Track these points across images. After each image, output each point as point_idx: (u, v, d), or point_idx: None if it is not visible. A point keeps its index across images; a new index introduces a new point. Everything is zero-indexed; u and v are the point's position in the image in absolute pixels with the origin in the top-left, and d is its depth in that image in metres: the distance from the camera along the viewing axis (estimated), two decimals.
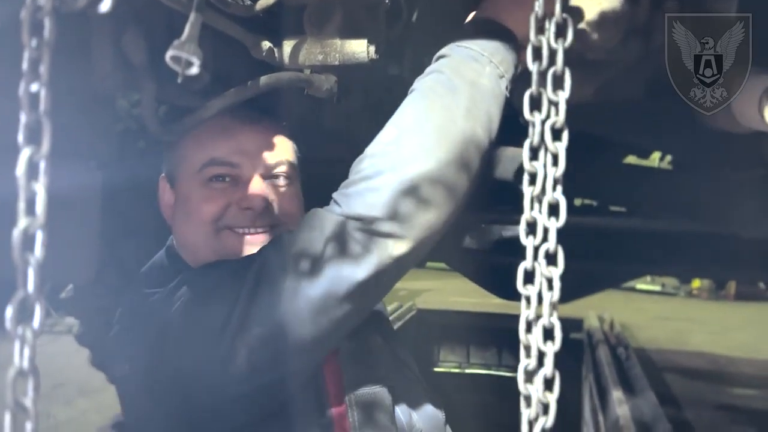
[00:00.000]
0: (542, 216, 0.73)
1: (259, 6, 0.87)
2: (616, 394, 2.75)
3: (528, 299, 0.70)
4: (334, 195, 0.88)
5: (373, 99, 1.29)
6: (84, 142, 1.09)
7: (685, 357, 4.86)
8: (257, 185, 0.97)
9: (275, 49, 0.98)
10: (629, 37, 1.13)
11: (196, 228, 0.97)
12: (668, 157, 2.34)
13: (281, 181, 1.00)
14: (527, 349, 0.68)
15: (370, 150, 0.88)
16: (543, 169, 0.73)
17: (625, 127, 1.39)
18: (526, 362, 0.67)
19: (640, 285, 8.26)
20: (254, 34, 0.95)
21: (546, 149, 0.73)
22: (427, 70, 0.94)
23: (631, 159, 2.36)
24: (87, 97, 1.03)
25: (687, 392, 3.86)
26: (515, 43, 0.93)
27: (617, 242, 2.25)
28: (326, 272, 0.82)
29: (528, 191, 0.72)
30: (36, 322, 0.53)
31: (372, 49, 0.96)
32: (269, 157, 0.99)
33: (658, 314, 6.48)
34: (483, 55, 0.90)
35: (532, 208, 0.73)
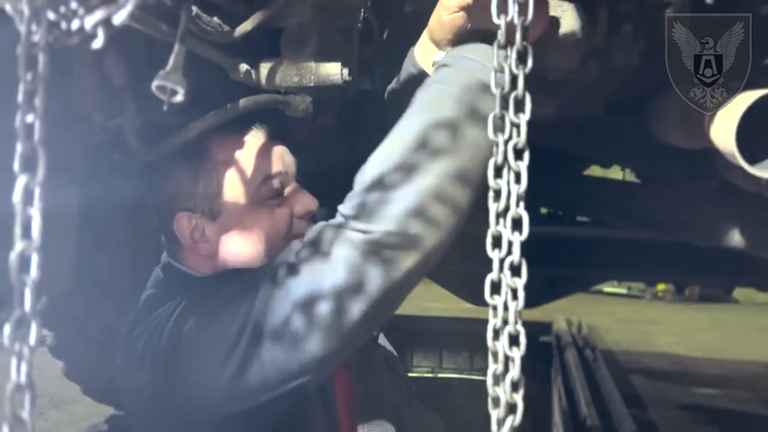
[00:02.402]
0: (507, 230, 0.78)
1: (237, 32, 0.91)
2: (584, 396, 2.82)
3: (495, 308, 0.76)
4: (341, 208, 0.88)
5: (347, 114, 1.34)
6: (59, 155, 1.11)
7: (651, 358, 4.98)
8: (304, 192, 1.03)
9: (252, 71, 1.02)
10: (588, 59, 1.20)
11: (268, 247, 0.99)
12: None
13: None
14: (495, 354, 0.73)
15: (374, 159, 0.88)
16: (507, 186, 0.79)
17: (585, 141, 1.45)
18: (494, 367, 0.72)
19: (607, 288, 8.41)
20: (232, 57, 0.99)
21: (509, 168, 0.79)
22: (430, 80, 0.93)
23: (596, 170, 2.44)
24: (64, 113, 1.05)
25: (652, 393, 3.96)
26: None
27: (584, 249, 2.33)
28: (335, 283, 0.83)
29: (493, 207, 0.78)
30: (32, 339, 0.56)
31: (345, 71, 1.00)
32: (293, 165, 1.06)
33: (625, 317, 6.62)
34: (486, 65, 0.90)
35: (497, 223, 0.78)
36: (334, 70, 1.00)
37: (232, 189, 1.00)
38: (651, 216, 1.53)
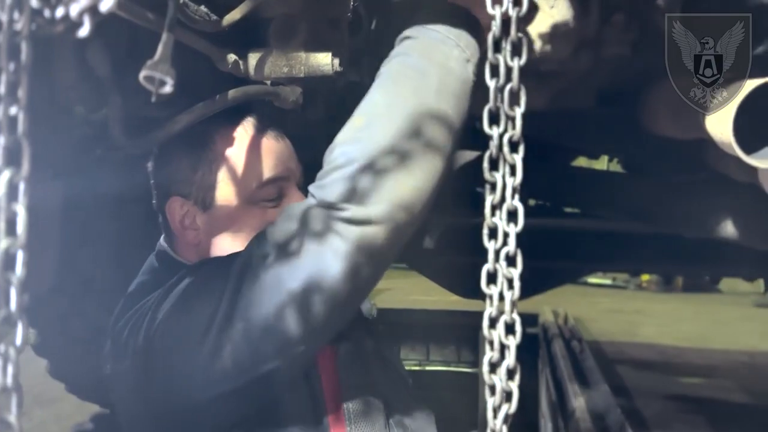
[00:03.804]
0: (502, 222, 0.78)
1: (225, 21, 0.89)
2: (572, 387, 2.84)
3: (491, 298, 0.75)
4: (310, 187, 0.88)
5: (335, 105, 1.32)
6: (42, 149, 1.08)
7: (636, 348, 5.02)
8: (301, 197, 1.00)
9: (240, 62, 1.00)
10: (580, 49, 1.19)
11: None
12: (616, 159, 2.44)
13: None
14: (491, 343, 0.73)
15: (340, 138, 0.87)
16: (502, 179, 0.78)
17: (574, 132, 1.44)
18: (490, 355, 0.72)
19: (592, 279, 8.46)
20: (220, 48, 0.97)
21: (504, 160, 0.78)
22: (393, 52, 0.93)
23: (581, 160, 2.44)
24: (46, 106, 1.02)
25: (638, 383, 4.00)
26: (479, 29, 0.93)
27: (571, 241, 2.33)
28: (304, 264, 0.82)
29: (488, 199, 0.77)
30: (18, 339, 0.54)
31: (336, 61, 0.99)
32: (296, 171, 1.04)
33: (610, 307, 6.67)
34: (450, 38, 0.89)
35: (493, 214, 0.78)
36: (324, 61, 0.98)
37: (229, 185, 0.99)
38: (640, 207, 1.53)
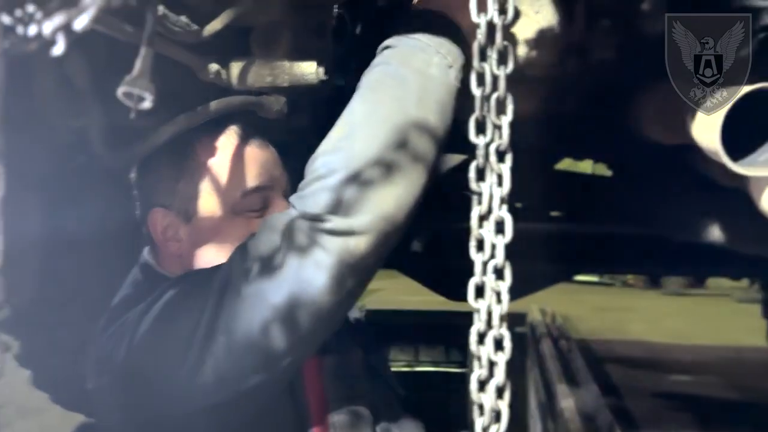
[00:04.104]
0: (490, 233, 0.77)
1: (207, 32, 0.87)
2: (561, 388, 2.84)
3: (478, 312, 0.74)
4: (291, 198, 0.87)
5: (320, 113, 1.31)
6: (21, 159, 1.06)
7: (625, 346, 5.05)
8: (286, 206, 0.98)
9: (222, 71, 0.98)
10: (566, 54, 1.18)
11: None
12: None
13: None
14: (479, 359, 0.71)
15: (322, 148, 0.86)
16: (489, 188, 0.77)
17: (562, 138, 1.44)
18: (478, 372, 0.70)
19: (579, 276, 8.49)
20: (201, 57, 0.95)
21: (491, 170, 0.77)
22: (374, 62, 0.92)
23: (566, 162, 2.45)
24: (24, 115, 1.00)
25: (627, 381, 4.02)
26: (460, 34, 0.92)
27: (560, 243, 2.33)
28: (286, 276, 0.81)
29: (475, 210, 0.76)
30: None
31: (321, 70, 0.97)
32: (281, 180, 1.02)
33: (597, 305, 6.70)
34: (430, 46, 0.88)
35: (480, 226, 0.76)
36: (309, 70, 0.97)
37: (212, 195, 0.98)
38: (629, 211, 1.53)
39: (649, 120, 1.18)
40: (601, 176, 2.04)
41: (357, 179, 0.81)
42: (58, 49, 0.52)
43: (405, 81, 0.86)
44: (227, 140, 1.00)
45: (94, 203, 1.65)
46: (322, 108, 1.23)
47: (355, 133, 0.84)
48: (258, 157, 1.00)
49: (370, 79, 0.89)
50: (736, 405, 3.78)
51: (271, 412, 0.91)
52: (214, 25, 0.87)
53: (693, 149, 1.12)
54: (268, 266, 0.81)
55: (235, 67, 0.98)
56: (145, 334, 0.87)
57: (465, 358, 4.61)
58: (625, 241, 2.25)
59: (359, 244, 0.81)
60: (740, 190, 1.08)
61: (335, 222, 0.80)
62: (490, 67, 0.76)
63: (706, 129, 0.90)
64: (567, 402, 2.70)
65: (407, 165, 0.83)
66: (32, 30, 0.53)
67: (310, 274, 0.80)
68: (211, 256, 0.97)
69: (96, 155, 0.90)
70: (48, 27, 0.50)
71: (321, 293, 0.81)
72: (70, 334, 2.07)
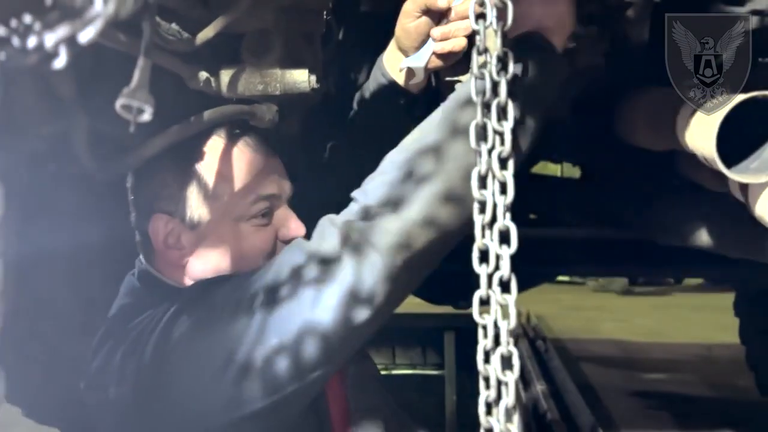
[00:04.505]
0: (494, 243, 0.75)
1: (199, 40, 0.85)
2: (540, 389, 2.86)
3: (485, 328, 0.71)
4: (353, 192, 0.88)
5: (309, 119, 1.29)
6: None
7: (598, 345, 5.10)
8: (292, 216, 0.98)
9: (212, 79, 0.96)
10: None
11: (249, 264, 0.95)
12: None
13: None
14: (486, 379, 0.69)
15: (395, 152, 0.87)
16: (492, 197, 0.75)
17: (548, 143, 1.44)
18: (485, 394, 0.68)
19: None
20: (190, 65, 0.92)
21: (494, 177, 0.75)
22: (464, 92, 0.88)
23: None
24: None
25: (603, 380, 4.06)
26: (558, 58, 0.92)
27: (539, 246, 2.35)
28: (341, 279, 0.81)
29: (478, 219, 0.75)
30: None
31: (313, 78, 0.96)
32: (287, 189, 1.01)
33: (570, 304, 6.77)
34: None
35: (483, 236, 0.75)
36: (301, 78, 0.95)
37: (218, 202, 0.95)
38: (612, 214, 1.55)
39: (638, 127, 1.19)
40: (578, 179, 2.06)
41: (419, 215, 0.83)
42: (60, 62, 0.49)
43: (442, 122, 0.86)
44: (235, 147, 0.98)
45: (64, 214, 1.60)
46: (310, 115, 1.22)
47: (427, 151, 0.85)
48: (266, 165, 0.99)
49: (459, 108, 0.87)
50: (712, 402, 3.85)
51: (293, 426, 0.89)
52: (206, 33, 0.85)
53: (677, 154, 1.13)
54: (324, 272, 0.82)
55: (225, 75, 0.96)
56: (178, 343, 0.84)
57: (442, 360, 4.61)
58: (603, 242, 2.28)
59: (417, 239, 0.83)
60: (726, 195, 1.10)
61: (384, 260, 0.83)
62: (490, 73, 0.76)
63: (701, 136, 0.91)
64: (548, 403, 2.72)
65: (444, 207, 0.84)
66: (32, 42, 0.50)
67: (365, 281, 0.81)
68: (212, 264, 0.95)
69: (82, 168, 0.87)
70: (50, 39, 0.48)
71: (374, 302, 0.82)
72: (42, 349, 2.01)
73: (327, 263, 0.82)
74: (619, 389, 3.90)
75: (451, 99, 0.88)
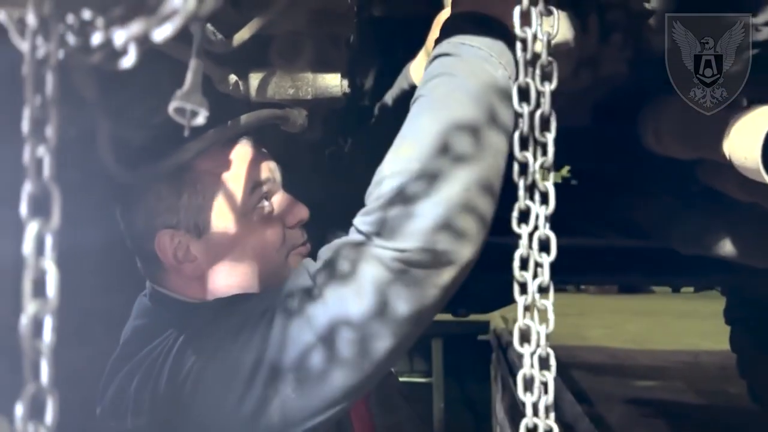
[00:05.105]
0: (534, 252, 0.74)
1: (236, 41, 0.82)
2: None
3: (527, 331, 0.71)
4: (357, 223, 0.79)
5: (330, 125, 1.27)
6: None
7: (587, 352, 5.12)
8: (293, 201, 0.95)
9: (240, 83, 0.93)
10: (580, 67, 1.18)
11: (263, 263, 0.91)
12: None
13: None
14: (528, 382, 0.68)
15: (389, 168, 0.79)
16: (534, 207, 0.74)
17: (570, 151, 1.43)
18: (528, 394, 0.67)
19: None
20: (221, 68, 0.90)
21: (536, 187, 0.74)
22: (433, 71, 0.84)
23: None
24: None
25: (595, 387, 4.07)
26: (512, 40, 0.84)
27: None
28: (366, 310, 0.75)
29: (523, 229, 0.73)
30: (49, 418, 0.47)
31: (345, 83, 0.93)
32: (278, 172, 0.98)
33: (554, 310, 6.80)
34: (492, 56, 0.82)
35: (530, 247, 0.74)
36: (333, 82, 0.93)
37: (220, 201, 0.92)
38: (631, 222, 1.54)
39: (665, 135, 1.19)
40: (588, 187, 2.05)
41: (438, 207, 0.75)
42: (129, 60, 0.46)
43: (476, 97, 0.80)
44: (217, 145, 0.93)
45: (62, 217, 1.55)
46: (332, 120, 1.20)
47: (429, 155, 0.77)
48: (249, 154, 0.95)
49: (436, 91, 0.82)
50: (704, 410, 3.87)
51: None
52: (242, 35, 0.82)
53: (701, 163, 1.12)
54: (343, 299, 0.76)
55: (255, 79, 0.93)
56: (193, 370, 0.80)
57: (429, 368, 4.58)
58: (601, 250, 2.28)
59: (443, 275, 0.77)
60: (751, 205, 1.09)
61: (420, 254, 0.75)
62: (535, 83, 0.74)
63: (743, 147, 0.89)
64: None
65: (488, 189, 0.78)
66: (96, 39, 0.47)
67: (392, 307, 0.75)
68: (231, 268, 0.92)
69: (109, 172, 0.84)
70: (120, 36, 0.45)
71: (402, 326, 0.76)
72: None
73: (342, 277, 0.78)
74: (612, 396, 3.91)
75: (482, 81, 0.81)
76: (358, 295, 0.75)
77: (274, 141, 1.07)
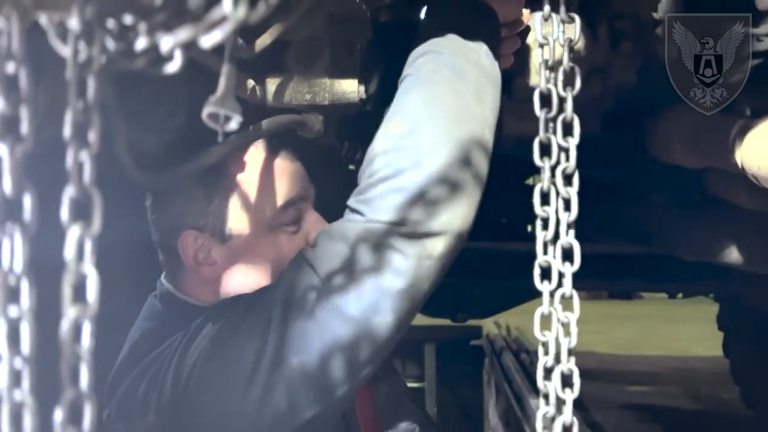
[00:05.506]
0: (557, 261, 0.74)
1: (258, 46, 0.82)
2: (534, 403, 2.85)
3: (545, 345, 0.71)
4: (351, 203, 0.82)
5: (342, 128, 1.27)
6: None
7: (578, 357, 5.10)
8: (319, 219, 0.95)
9: (257, 88, 0.93)
10: (590, 76, 1.19)
11: (280, 268, 0.90)
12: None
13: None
14: (546, 396, 0.68)
15: (380, 146, 0.82)
16: (555, 214, 0.74)
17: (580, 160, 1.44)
18: (545, 410, 0.67)
19: None
20: (240, 73, 0.90)
21: (558, 194, 0.75)
22: (421, 50, 0.87)
23: None
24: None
25: (588, 392, 4.08)
26: (498, 23, 0.90)
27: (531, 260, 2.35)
28: (363, 286, 0.77)
29: (541, 236, 0.74)
30: (87, 424, 0.47)
31: (362, 89, 0.94)
32: (311, 190, 0.98)
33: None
34: (477, 35, 0.86)
35: (545, 252, 0.74)
36: (350, 88, 0.93)
37: (247, 212, 0.92)
38: (641, 231, 1.55)
39: (675, 144, 1.20)
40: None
41: (428, 178, 0.78)
42: (174, 66, 0.46)
43: (461, 73, 0.83)
44: (257, 155, 0.94)
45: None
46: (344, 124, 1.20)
47: (416, 129, 0.81)
48: (288, 170, 0.96)
49: (423, 68, 0.85)
50: (700, 415, 3.90)
51: None
52: (264, 40, 0.82)
53: (708, 172, 1.13)
54: (339, 278, 0.77)
55: (271, 84, 0.93)
56: (196, 367, 0.80)
57: (421, 373, 4.58)
58: (598, 257, 2.29)
59: (437, 245, 0.79)
60: (759, 213, 1.11)
61: (412, 225, 0.77)
62: (557, 88, 0.75)
63: (756, 156, 0.91)
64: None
65: (475, 161, 0.81)
66: (141, 44, 0.47)
67: (390, 281, 0.77)
68: (248, 278, 0.92)
69: (129, 177, 0.83)
70: (167, 42, 0.45)
71: (401, 299, 0.77)
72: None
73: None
74: (607, 402, 3.92)
75: (467, 58, 0.86)
76: (357, 274, 0.77)
77: (291, 146, 1.07)
